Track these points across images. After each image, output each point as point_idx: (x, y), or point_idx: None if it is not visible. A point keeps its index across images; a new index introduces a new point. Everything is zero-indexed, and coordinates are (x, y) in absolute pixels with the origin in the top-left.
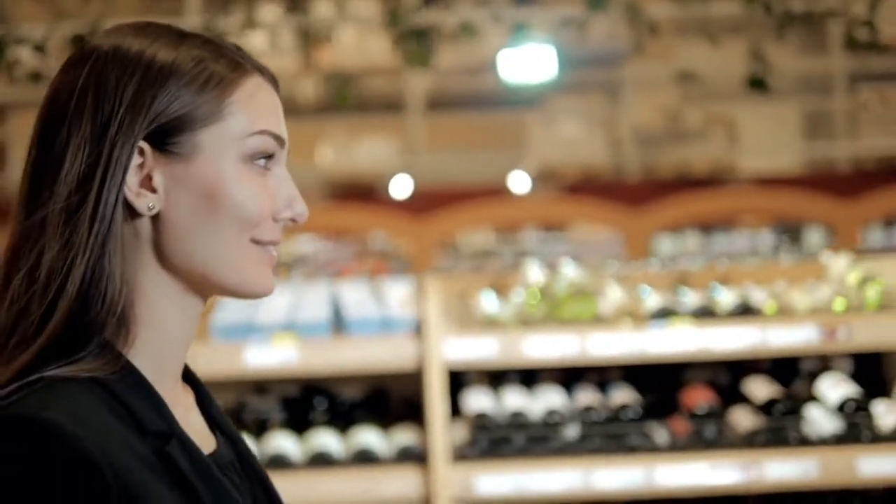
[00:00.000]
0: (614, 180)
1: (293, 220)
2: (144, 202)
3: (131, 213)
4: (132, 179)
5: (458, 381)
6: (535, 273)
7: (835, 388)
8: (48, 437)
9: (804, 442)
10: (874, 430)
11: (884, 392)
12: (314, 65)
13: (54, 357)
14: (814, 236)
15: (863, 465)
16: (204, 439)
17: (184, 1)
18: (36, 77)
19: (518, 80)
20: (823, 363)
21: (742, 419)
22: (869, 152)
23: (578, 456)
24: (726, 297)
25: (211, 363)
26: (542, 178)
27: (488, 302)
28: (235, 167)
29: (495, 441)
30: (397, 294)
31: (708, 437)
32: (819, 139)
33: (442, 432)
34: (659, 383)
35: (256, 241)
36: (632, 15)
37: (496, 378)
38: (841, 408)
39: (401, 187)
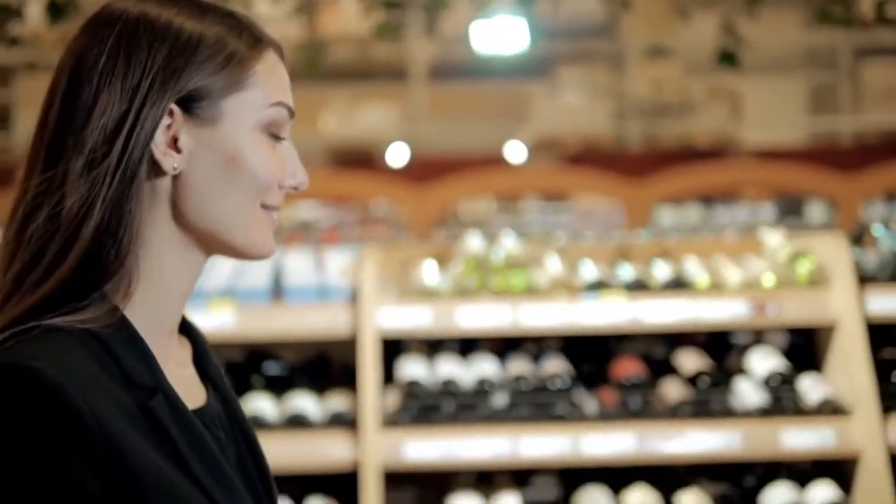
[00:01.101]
0: (616, 151)
1: (295, 188)
2: (170, 161)
3: (154, 170)
4: (160, 139)
5: (398, 349)
6: (475, 244)
7: (763, 361)
8: (34, 385)
9: (729, 414)
10: (799, 403)
11: (816, 366)
12: (318, 32)
13: (59, 304)
14: (815, 210)
15: (786, 437)
16: (194, 393)
17: None
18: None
19: (490, 51)
20: (757, 337)
21: (671, 391)
22: (872, 127)
23: (506, 423)
24: (663, 272)
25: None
26: (544, 148)
27: (429, 272)
28: (253, 135)
29: (425, 408)
30: (338, 263)
31: (634, 407)
32: (822, 113)
33: (373, 399)
34: (595, 354)
35: (265, 206)
36: None
37: (435, 347)
38: (767, 381)
39: (400, 155)
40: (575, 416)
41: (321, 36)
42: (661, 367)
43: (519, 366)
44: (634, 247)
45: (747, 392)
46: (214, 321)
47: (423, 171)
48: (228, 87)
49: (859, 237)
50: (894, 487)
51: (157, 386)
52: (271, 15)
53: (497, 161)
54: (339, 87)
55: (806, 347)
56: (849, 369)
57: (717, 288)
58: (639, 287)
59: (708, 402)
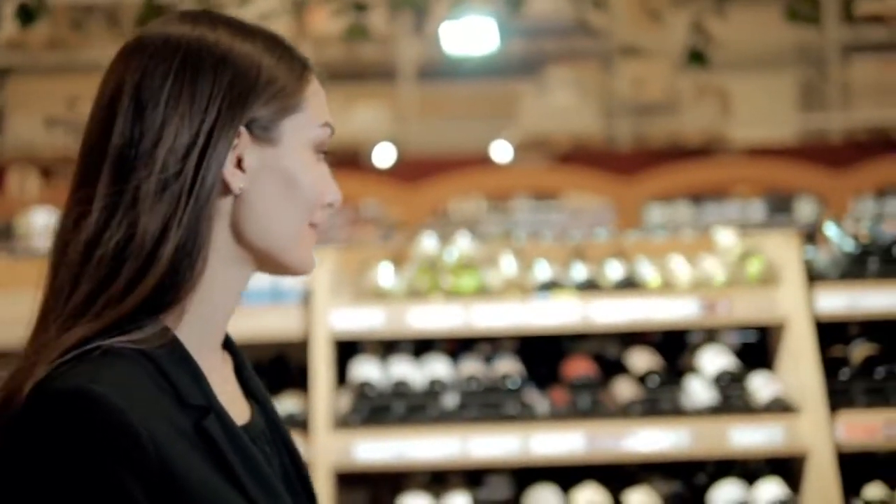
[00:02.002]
0: (606, 149)
1: (331, 205)
2: (237, 182)
3: (221, 190)
4: (229, 159)
5: (356, 350)
6: (429, 245)
7: (714, 360)
8: (95, 409)
9: (679, 413)
10: (748, 401)
11: (768, 365)
12: (307, 31)
13: (127, 323)
14: (805, 207)
15: (735, 435)
16: (239, 408)
17: None
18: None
19: (460, 51)
20: (710, 336)
21: (623, 390)
22: (861, 123)
23: (456, 424)
24: (616, 271)
25: None
26: (534, 147)
27: (384, 273)
28: (306, 155)
29: (376, 409)
30: None
31: (583, 407)
32: (811, 110)
33: (325, 400)
34: (549, 354)
35: (311, 224)
36: None
37: (391, 348)
38: (717, 380)
39: (389, 155)
40: (525, 416)
41: (309, 35)
42: (614, 367)
43: (471, 366)
44: (591, 247)
45: (698, 391)
46: None
47: (413, 170)
48: (287, 109)
49: (812, 236)
50: (841, 485)
51: (210, 405)
52: (258, 14)
53: (487, 160)
54: (327, 88)
55: (758, 346)
56: (798, 367)
57: (668, 287)
58: (590, 287)
59: (658, 401)
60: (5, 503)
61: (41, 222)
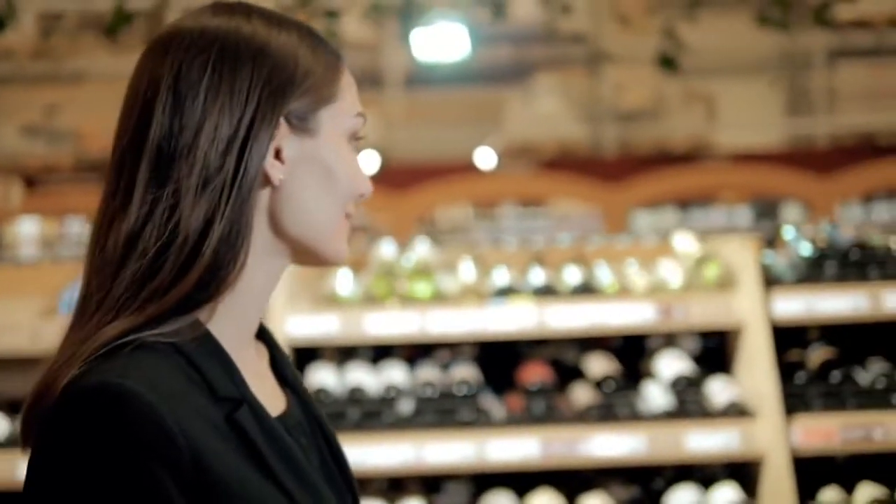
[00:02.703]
0: (592, 156)
1: (363, 195)
2: (277, 173)
3: (261, 182)
4: (269, 151)
5: (313, 357)
6: (387, 251)
7: (671, 365)
8: (125, 404)
9: (635, 418)
10: (704, 406)
11: (727, 369)
12: None
13: (169, 316)
14: (791, 212)
15: (691, 440)
16: (275, 400)
17: None
18: None
19: (430, 58)
20: (669, 341)
21: (580, 395)
22: (847, 129)
23: (411, 430)
24: (574, 277)
25: (58, 336)
26: (520, 154)
27: (342, 280)
28: (342, 145)
29: (331, 415)
30: None
31: (538, 412)
32: (797, 116)
33: None
34: (508, 360)
35: (347, 215)
36: None
37: (349, 354)
38: (673, 385)
39: (375, 162)
40: (479, 422)
41: None
42: (572, 373)
43: (427, 373)
44: (551, 252)
45: (654, 396)
46: None
47: (400, 177)
48: (323, 100)
49: (773, 241)
50: (797, 489)
51: (242, 397)
52: None
53: (473, 167)
54: None
55: (718, 351)
56: (755, 372)
57: (624, 292)
58: (547, 292)
59: (613, 406)
60: (38, 499)
61: (27, 231)
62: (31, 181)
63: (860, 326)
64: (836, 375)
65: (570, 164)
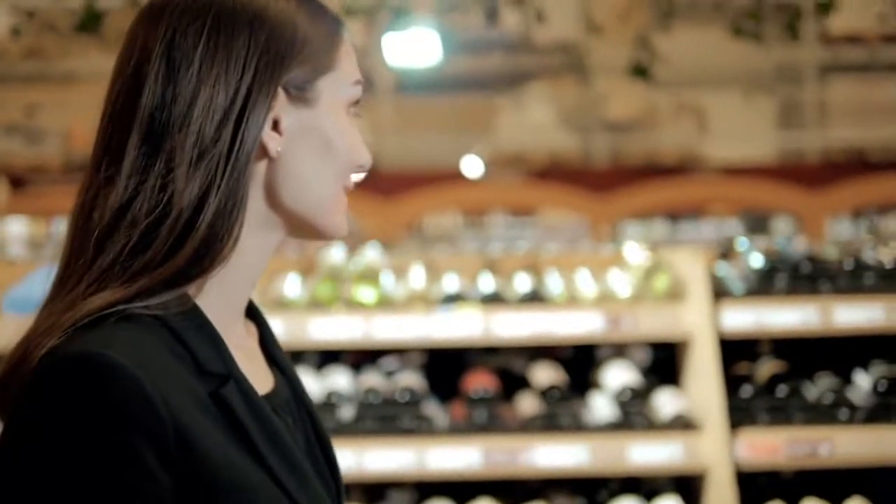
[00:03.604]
0: (582, 166)
1: (362, 166)
2: (275, 144)
3: (258, 153)
4: (266, 122)
5: None
6: (335, 255)
7: (618, 376)
8: (108, 374)
9: (579, 428)
10: (649, 418)
11: (677, 381)
12: None
13: (160, 290)
14: (781, 226)
15: (634, 452)
16: (262, 378)
17: None
18: None
19: (402, 64)
20: (619, 351)
21: (525, 405)
22: (838, 144)
23: (352, 437)
24: (523, 285)
25: (2, 336)
26: (511, 163)
27: (290, 284)
28: (342, 115)
29: None
30: None
31: (479, 421)
32: (788, 130)
33: None
34: (456, 368)
35: (345, 187)
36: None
37: (295, 359)
38: (618, 396)
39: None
40: (421, 430)
41: None
42: (520, 382)
43: (371, 379)
44: (503, 260)
45: (600, 407)
46: None
47: (389, 184)
48: (322, 69)
49: (727, 252)
50: (740, 503)
51: (229, 373)
52: None
53: (463, 175)
54: None
55: (668, 362)
56: (702, 384)
57: (573, 301)
58: (494, 300)
59: (557, 416)
60: (14, 471)
61: (14, 231)
62: (18, 181)
63: (812, 340)
64: (782, 389)
65: (560, 174)
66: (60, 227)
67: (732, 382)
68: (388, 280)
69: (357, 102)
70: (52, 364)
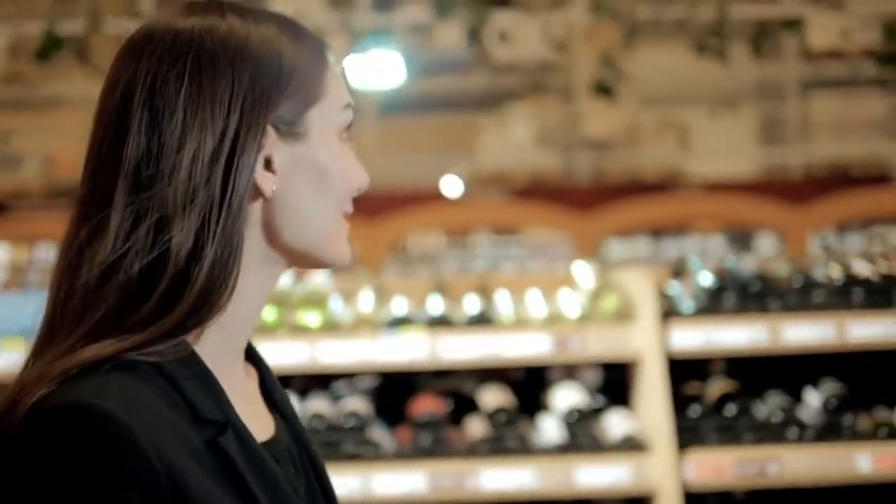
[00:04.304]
0: (565, 185)
1: (360, 189)
2: (269, 184)
3: (252, 195)
4: (258, 162)
5: None
6: (282, 281)
7: (566, 398)
8: (100, 425)
9: (526, 451)
10: (598, 440)
11: (627, 402)
12: None
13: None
14: (765, 242)
15: (582, 474)
16: (263, 425)
17: None
18: None
19: (365, 86)
20: (569, 373)
21: (474, 428)
22: (820, 159)
23: None
24: (473, 307)
25: None
26: (494, 182)
27: None
28: (334, 142)
29: None
30: None
31: (425, 445)
32: (771, 146)
33: None
34: (404, 392)
35: (345, 214)
36: (478, 22)
37: None
38: (566, 418)
39: None
40: (366, 455)
41: None
42: (469, 405)
43: (317, 404)
44: (455, 281)
45: (548, 429)
46: (6, 360)
47: (372, 205)
48: (312, 99)
49: (679, 271)
50: None
51: (227, 421)
52: None
53: (446, 196)
54: None
55: (619, 383)
56: (651, 405)
57: (520, 323)
58: (441, 323)
59: (504, 439)
60: None
61: None
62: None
63: (763, 359)
64: (731, 409)
65: (542, 192)
66: (43, 253)
67: (682, 402)
68: (336, 304)
69: (349, 127)
70: (42, 413)
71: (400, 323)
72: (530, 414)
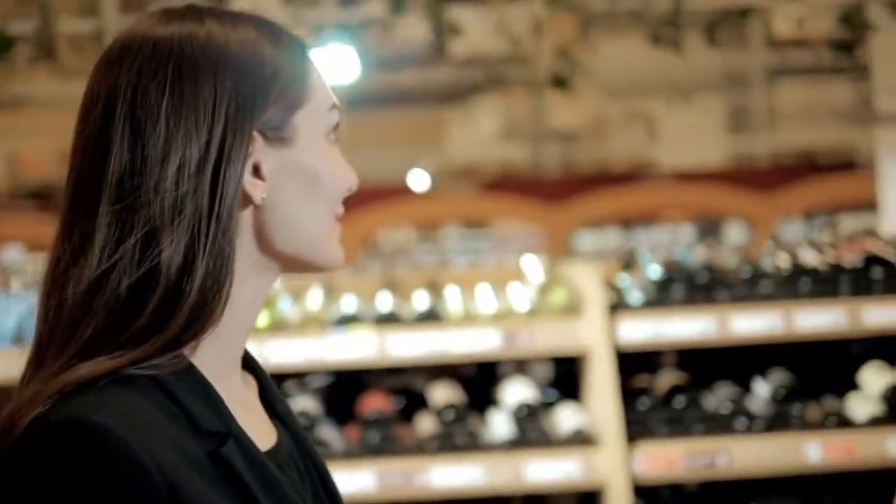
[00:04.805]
0: (534, 177)
1: (350, 190)
2: (259, 192)
3: (242, 204)
4: (246, 170)
5: None
6: None
7: (516, 393)
8: (99, 440)
9: (476, 447)
10: (547, 434)
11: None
12: None
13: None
14: (734, 230)
15: (531, 469)
16: (264, 433)
17: None
18: None
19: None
20: (520, 367)
21: (425, 425)
22: (787, 147)
23: None
24: (422, 303)
25: None
26: (463, 175)
27: None
28: (322, 144)
29: None
30: None
31: (372, 443)
32: (738, 135)
33: None
34: (357, 390)
35: (337, 217)
36: (434, 16)
37: None
38: (515, 413)
39: None
40: None
41: None
42: (422, 401)
43: None
44: (403, 278)
45: (497, 424)
46: None
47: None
48: (297, 103)
49: (629, 264)
50: None
51: (228, 431)
52: None
53: (414, 190)
54: None
55: (571, 377)
56: (600, 399)
57: (469, 319)
58: (389, 320)
59: (453, 435)
60: None
61: None
62: None
63: (714, 350)
64: (680, 401)
65: (512, 184)
66: (9, 254)
67: (632, 396)
68: (284, 303)
69: (336, 127)
70: (39, 431)
71: (348, 321)
72: (482, 410)
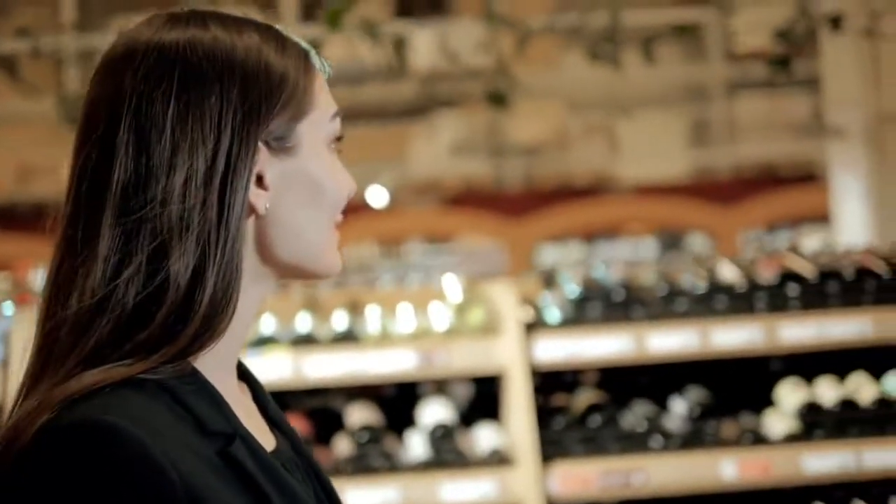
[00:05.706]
0: (496, 191)
1: (349, 196)
2: (263, 202)
3: (245, 214)
4: (251, 180)
5: None
6: None
7: (434, 413)
8: (112, 440)
9: (392, 469)
10: (464, 454)
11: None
12: None
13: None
14: (696, 243)
15: (446, 490)
16: (264, 437)
17: None
18: None
19: None
20: (439, 387)
21: (342, 447)
22: (748, 159)
23: None
24: (341, 323)
25: None
26: (425, 190)
27: None
28: (324, 154)
29: None
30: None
31: None
32: (699, 147)
33: None
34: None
35: (336, 225)
36: (372, 33)
37: None
38: (432, 433)
39: None
40: None
41: None
42: (340, 423)
43: None
44: (324, 298)
45: (414, 445)
46: None
47: None
48: (301, 112)
49: (549, 282)
50: None
51: (234, 431)
52: None
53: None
54: None
55: (491, 396)
56: (517, 418)
57: (386, 339)
58: (305, 341)
59: (367, 457)
60: None
61: None
62: None
63: (633, 369)
64: (596, 420)
65: (474, 199)
66: None
67: (549, 415)
68: None
69: (339, 138)
70: (49, 435)
71: (264, 342)
72: (401, 431)
